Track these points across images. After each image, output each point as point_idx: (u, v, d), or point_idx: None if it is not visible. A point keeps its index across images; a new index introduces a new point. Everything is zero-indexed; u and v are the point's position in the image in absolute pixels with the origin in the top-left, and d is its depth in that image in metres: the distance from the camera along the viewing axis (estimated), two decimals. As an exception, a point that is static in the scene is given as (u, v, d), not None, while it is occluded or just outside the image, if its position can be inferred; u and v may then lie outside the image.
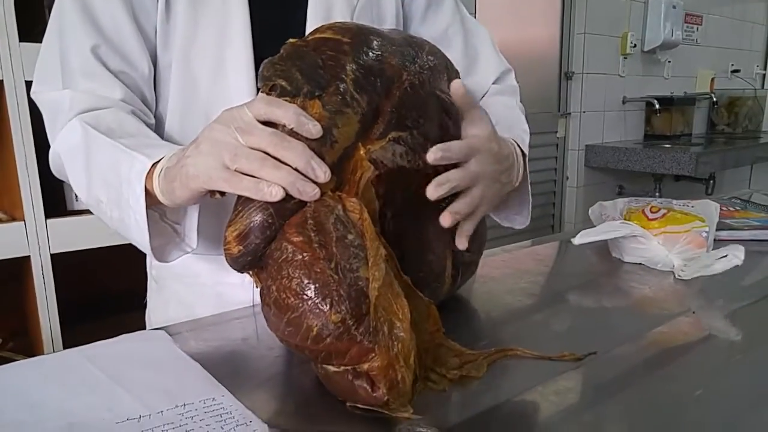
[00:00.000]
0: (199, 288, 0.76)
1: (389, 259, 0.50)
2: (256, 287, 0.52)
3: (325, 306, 0.45)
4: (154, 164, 0.57)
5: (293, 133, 0.50)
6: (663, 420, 0.48)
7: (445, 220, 0.57)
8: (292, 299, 0.46)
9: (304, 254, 0.47)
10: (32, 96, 0.70)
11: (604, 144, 2.82)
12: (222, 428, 0.45)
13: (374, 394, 0.46)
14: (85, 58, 0.65)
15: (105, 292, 1.41)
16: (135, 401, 0.48)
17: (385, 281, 0.48)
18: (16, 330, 1.37)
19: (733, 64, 3.53)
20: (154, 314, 0.82)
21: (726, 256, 0.78)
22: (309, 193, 0.49)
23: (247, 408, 0.47)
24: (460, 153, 0.57)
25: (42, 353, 1.27)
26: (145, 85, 0.70)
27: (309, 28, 0.71)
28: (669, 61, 3.08)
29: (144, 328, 0.76)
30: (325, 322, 0.45)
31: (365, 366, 0.46)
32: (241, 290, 0.74)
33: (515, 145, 0.69)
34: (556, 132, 2.73)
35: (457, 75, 0.68)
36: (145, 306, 0.85)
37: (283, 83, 0.52)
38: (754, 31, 3.67)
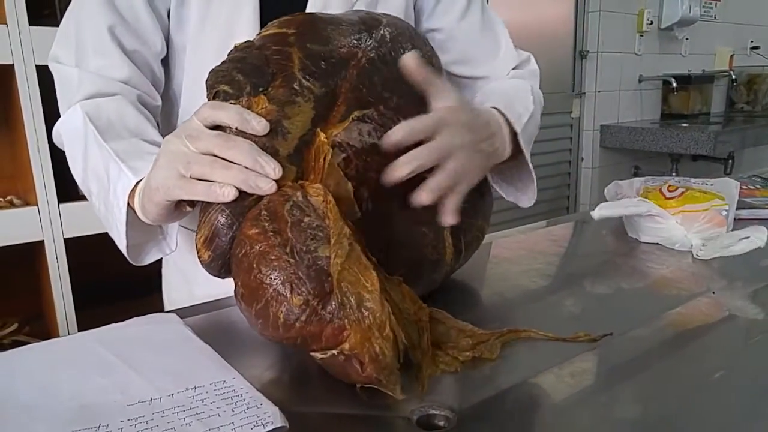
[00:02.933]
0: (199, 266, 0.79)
1: (354, 236, 0.49)
2: None
3: (285, 291, 0.45)
4: (138, 182, 0.60)
5: (241, 133, 0.51)
6: (681, 402, 0.47)
7: (420, 197, 0.54)
8: (255, 291, 0.46)
9: (260, 245, 0.47)
10: (49, 58, 0.72)
11: (620, 124, 2.77)
12: (233, 411, 0.44)
13: (364, 374, 0.45)
14: (100, 37, 0.68)
15: (119, 276, 1.42)
16: (146, 384, 0.48)
17: (350, 256, 0.47)
18: (32, 314, 1.39)
19: (752, 41, 3.44)
20: (165, 281, 0.87)
21: (748, 237, 0.76)
22: (263, 188, 0.49)
23: (258, 390, 0.47)
24: (425, 129, 0.54)
25: (57, 337, 1.29)
26: (155, 64, 0.72)
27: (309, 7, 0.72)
28: (687, 39, 3.01)
29: (157, 311, 0.76)
30: (290, 307, 0.45)
31: (345, 346, 0.46)
32: None
33: (496, 113, 0.66)
34: (571, 112, 2.69)
35: (426, 44, 0.66)
36: (148, 294, 0.90)
37: (225, 87, 0.53)
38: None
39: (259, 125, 0.51)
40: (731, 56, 3.30)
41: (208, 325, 0.62)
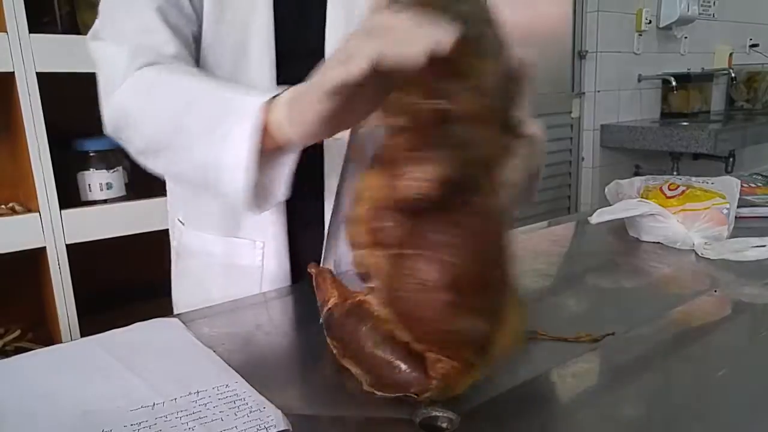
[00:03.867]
0: (212, 267, 0.78)
1: None
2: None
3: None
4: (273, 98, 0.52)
5: None
6: (684, 401, 0.47)
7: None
8: None
9: None
10: (89, 38, 0.68)
11: (620, 123, 2.77)
12: (236, 415, 0.44)
13: (427, 382, 0.44)
14: (149, 15, 0.64)
15: (122, 282, 1.42)
16: (148, 389, 0.48)
17: None
18: (35, 320, 1.39)
19: (751, 39, 3.44)
20: (174, 284, 0.86)
21: (764, 246, 0.76)
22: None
23: (261, 394, 0.47)
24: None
25: (60, 343, 1.29)
26: (195, 44, 0.69)
27: (330, 17, 0.71)
28: (685, 37, 3.00)
29: (160, 316, 0.76)
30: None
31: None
32: (250, 272, 0.76)
33: None
34: (570, 112, 2.68)
35: None
36: (151, 299, 0.90)
37: None
38: (773, 4, 3.57)
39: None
40: (730, 54, 3.30)
41: (210, 329, 0.62)
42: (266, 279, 0.76)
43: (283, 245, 0.75)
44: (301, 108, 0.48)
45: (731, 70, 3.21)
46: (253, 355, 0.57)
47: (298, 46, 0.70)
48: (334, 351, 0.52)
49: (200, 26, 0.69)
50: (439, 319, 0.43)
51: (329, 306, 0.53)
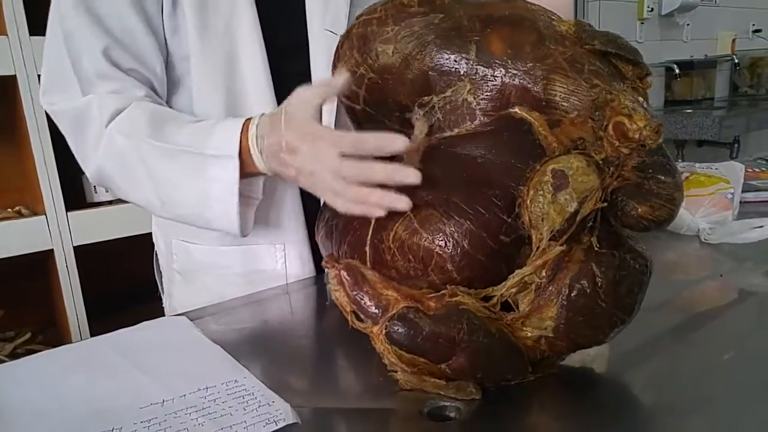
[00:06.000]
0: (232, 278, 0.74)
1: None
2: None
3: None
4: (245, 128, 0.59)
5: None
6: (691, 385, 0.47)
7: None
8: None
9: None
10: (45, 107, 0.67)
11: (623, 112, 2.75)
12: (245, 409, 0.45)
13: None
14: (97, 61, 0.63)
15: (130, 282, 1.43)
16: (157, 386, 0.49)
17: None
18: (45, 323, 1.40)
19: (754, 24, 3.41)
20: (181, 307, 0.80)
21: (762, 227, 0.75)
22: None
23: (269, 388, 0.47)
24: None
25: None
26: (157, 82, 0.68)
27: (309, 7, 0.70)
28: (688, 24, 2.98)
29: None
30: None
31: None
32: (274, 277, 0.73)
33: None
34: (573, 102, 2.67)
35: None
36: (157, 301, 0.85)
37: None
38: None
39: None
40: (733, 40, 3.27)
41: (218, 326, 0.62)
42: (291, 282, 0.74)
43: (304, 245, 0.73)
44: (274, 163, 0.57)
45: (734, 56, 3.18)
46: (260, 351, 0.57)
47: (284, 41, 0.69)
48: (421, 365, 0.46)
49: (163, 62, 0.68)
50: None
51: (401, 311, 0.46)
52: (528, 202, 0.45)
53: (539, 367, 0.48)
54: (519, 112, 0.48)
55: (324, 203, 0.58)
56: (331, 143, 0.51)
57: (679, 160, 2.74)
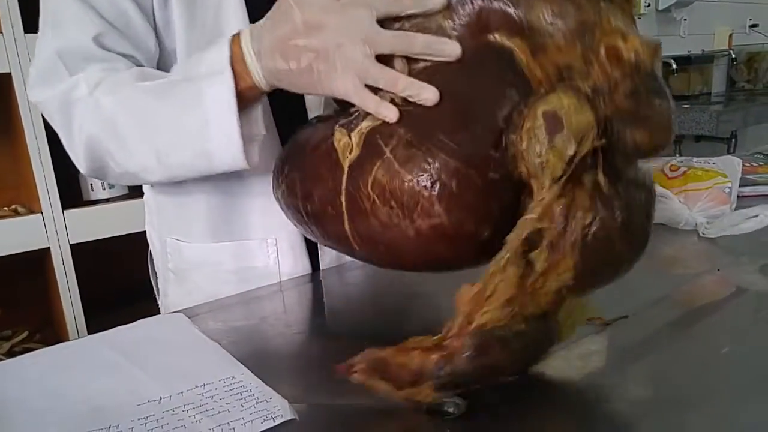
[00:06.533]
0: (224, 276, 0.73)
1: None
2: None
3: None
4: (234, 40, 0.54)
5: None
6: (691, 380, 0.47)
7: None
8: None
9: None
10: (33, 99, 0.64)
11: (621, 108, 2.75)
12: (242, 406, 0.44)
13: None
14: (88, 47, 0.61)
15: (128, 280, 1.42)
16: (155, 383, 0.48)
17: None
18: (42, 322, 1.40)
19: (750, 19, 3.41)
20: (176, 307, 0.78)
21: (756, 216, 0.75)
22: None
23: (267, 385, 0.47)
24: None
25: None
26: (151, 67, 0.66)
27: None
28: (685, 19, 2.98)
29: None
30: None
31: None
32: (266, 274, 0.72)
33: None
34: (570, 98, 2.67)
35: None
36: (154, 300, 0.84)
37: None
38: (773, -18, 3.54)
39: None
40: (730, 35, 3.27)
41: (215, 323, 0.62)
42: (285, 278, 0.72)
43: (297, 238, 0.71)
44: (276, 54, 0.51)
45: (731, 51, 3.19)
46: (258, 347, 0.57)
47: None
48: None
49: (158, 47, 0.66)
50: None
51: (439, 372, 0.41)
52: (523, 151, 0.41)
53: (563, 334, 0.46)
54: (498, 38, 0.45)
55: (284, 154, 0.55)
56: (365, 5, 0.47)
57: (677, 155, 2.75)
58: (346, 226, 0.48)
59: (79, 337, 1.28)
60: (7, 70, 1.15)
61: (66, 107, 0.61)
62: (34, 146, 1.19)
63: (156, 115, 0.58)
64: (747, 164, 1.07)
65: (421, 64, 0.48)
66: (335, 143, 0.49)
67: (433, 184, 0.42)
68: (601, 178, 0.41)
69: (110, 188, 1.32)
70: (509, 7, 0.45)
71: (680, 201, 0.84)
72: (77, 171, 0.67)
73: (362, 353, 0.44)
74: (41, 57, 0.63)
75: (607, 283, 0.45)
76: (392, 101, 0.47)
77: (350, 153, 0.47)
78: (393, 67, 0.49)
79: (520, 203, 0.44)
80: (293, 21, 0.50)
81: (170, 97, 0.57)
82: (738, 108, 2.65)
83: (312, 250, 0.73)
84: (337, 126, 0.50)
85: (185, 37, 0.65)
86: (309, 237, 0.59)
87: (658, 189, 0.84)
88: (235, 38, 0.55)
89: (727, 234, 0.78)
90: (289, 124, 0.61)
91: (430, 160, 0.43)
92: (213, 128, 0.55)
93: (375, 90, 0.48)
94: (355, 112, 0.50)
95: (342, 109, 0.54)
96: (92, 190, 1.32)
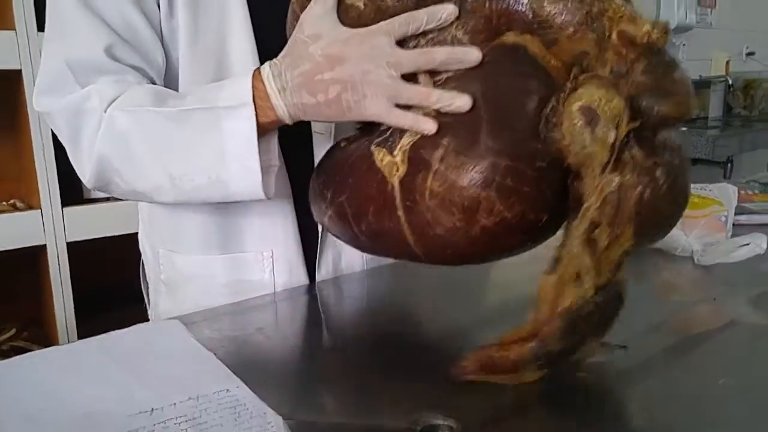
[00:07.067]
0: (216, 288, 0.71)
1: None
2: None
3: None
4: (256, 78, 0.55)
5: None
6: (686, 410, 0.47)
7: None
8: None
9: None
10: (39, 109, 0.63)
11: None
12: (236, 420, 0.44)
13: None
14: (99, 58, 0.60)
15: (122, 282, 1.42)
16: (148, 392, 0.48)
17: None
18: (31, 319, 1.38)
19: (747, 47, 3.45)
20: (165, 317, 0.76)
21: (748, 244, 0.76)
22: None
23: (262, 399, 0.47)
24: None
25: (57, 343, 1.28)
26: (159, 80, 0.66)
27: None
28: (683, 45, 3.02)
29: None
30: None
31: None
32: (260, 287, 0.71)
33: None
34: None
35: None
36: (145, 310, 0.82)
37: None
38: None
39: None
40: (727, 62, 3.31)
41: (211, 332, 0.62)
42: (281, 290, 0.71)
43: (294, 251, 0.70)
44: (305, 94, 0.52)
45: (728, 78, 3.22)
46: (254, 359, 0.56)
47: (277, 45, 0.64)
48: None
49: (165, 59, 0.65)
50: None
51: (537, 353, 0.46)
52: (568, 146, 0.45)
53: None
54: (510, 37, 0.48)
55: (321, 180, 0.56)
56: (383, 32, 0.49)
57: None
58: (409, 238, 0.50)
59: (68, 337, 1.27)
60: (18, 67, 1.15)
61: (75, 118, 0.60)
62: (39, 142, 1.18)
63: (172, 140, 0.58)
64: (743, 192, 1.07)
65: (443, 76, 0.50)
66: (378, 164, 0.50)
67: (489, 185, 0.45)
68: (638, 152, 0.45)
69: (110, 187, 1.31)
70: (516, 5, 0.48)
71: (677, 227, 0.84)
72: (105, 191, 0.66)
73: (469, 355, 0.49)
74: (49, 66, 0.62)
75: (660, 238, 0.50)
76: (425, 115, 0.49)
77: (397, 171, 0.49)
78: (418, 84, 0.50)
79: (569, 184, 0.47)
80: (313, 58, 0.51)
81: (187, 124, 0.57)
82: (734, 133, 2.68)
83: (309, 261, 0.73)
84: (374, 146, 0.52)
85: (189, 46, 0.65)
86: (366, 252, 0.62)
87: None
88: (256, 73, 0.55)
89: (720, 262, 0.78)
90: (294, 149, 0.63)
91: (481, 163, 0.45)
92: (231, 159, 0.56)
93: (406, 108, 0.50)
94: (387, 129, 0.52)
95: (364, 127, 0.56)
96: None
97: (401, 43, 0.50)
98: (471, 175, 0.45)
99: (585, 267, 0.45)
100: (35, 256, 1.29)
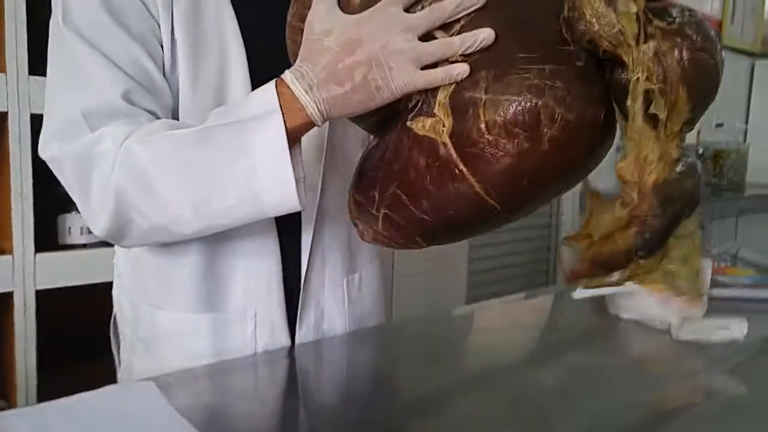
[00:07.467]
0: (197, 349, 0.69)
1: None
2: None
3: None
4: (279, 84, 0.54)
5: None
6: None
7: None
8: None
9: None
10: (45, 156, 0.61)
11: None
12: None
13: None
14: (116, 103, 0.59)
15: (89, 333, 1.37)
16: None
17: None
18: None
19: (717, 118, 3.62)
20: (138, 377, 0.73)
21: (728, 329, 0.77)
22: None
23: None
24: None
25: (14, 396, 1.21)
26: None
27: None
28: (657, 114, 3.15)
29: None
30: None
31: None
32: (242, 347, 0.69)
33: None
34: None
35: None
36: (111, 365, 0.79)
37: None
38: (736, 87, 3.79)
39: None
40: (698, 132, 3.45)
41: (186, 396, 0.60)
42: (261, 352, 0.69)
43: (277, 311, 0.70)
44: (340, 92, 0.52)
45: (699, 147, 3.35)
46: (230, 428, 0.55)
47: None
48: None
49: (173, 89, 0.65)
50: None
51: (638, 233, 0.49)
52: (599, 31, 0.46)
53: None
54: None
55: (362, 188, 0.56)
56: (391, 4, 0.51)
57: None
58: (479, 189, 0.49)
59: (26, 389, 1.21)
60: (5, 110, 1.14)
61: (86, 162, 0.58)
62: (17, 187, 1.16)
63: (194, 162, 0.56)
64: (715, 264, 1.10)
65: (456, 27, 0.51)
66: (419, 132, 0.50)
67: (542, 91, 0.46)
68: (660, 22, 0.47)
69: (89, 234, 1.27)
70: None
71: (656, 299, 0.85)
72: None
73: (575, 260, 0.51)
74: (63, 115, 0.60)
75: (714, 97, 0.51)
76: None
77: (444, 126, 0.49)
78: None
79: (609, 80, 0.49)
80: (331, 49, 0.52)
81: (211, 142, 0.56)
82: (704, 202, 2.76)
83: (291, 322, 0.72)
84: (408, 123, 0.51)
85: (189, 98, 0.65)
86: (437, 239, 0.56)
87: (633, 285, 0.86)
88: (278, 81, 0.55)
89: (698, 339, 0.79)
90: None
91: (527, 74, 0.46)
92: (262, 172, 0.54)
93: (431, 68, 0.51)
94: (414, 103, 0.52)
95: (380, 128, 0.56)
96: (69, 234, 1.27)
97: (408, 12, 0.52)
98: (521, 89, 0.46)
99: (654, 141, 0.47)
100: (1, 302, 1.24)
